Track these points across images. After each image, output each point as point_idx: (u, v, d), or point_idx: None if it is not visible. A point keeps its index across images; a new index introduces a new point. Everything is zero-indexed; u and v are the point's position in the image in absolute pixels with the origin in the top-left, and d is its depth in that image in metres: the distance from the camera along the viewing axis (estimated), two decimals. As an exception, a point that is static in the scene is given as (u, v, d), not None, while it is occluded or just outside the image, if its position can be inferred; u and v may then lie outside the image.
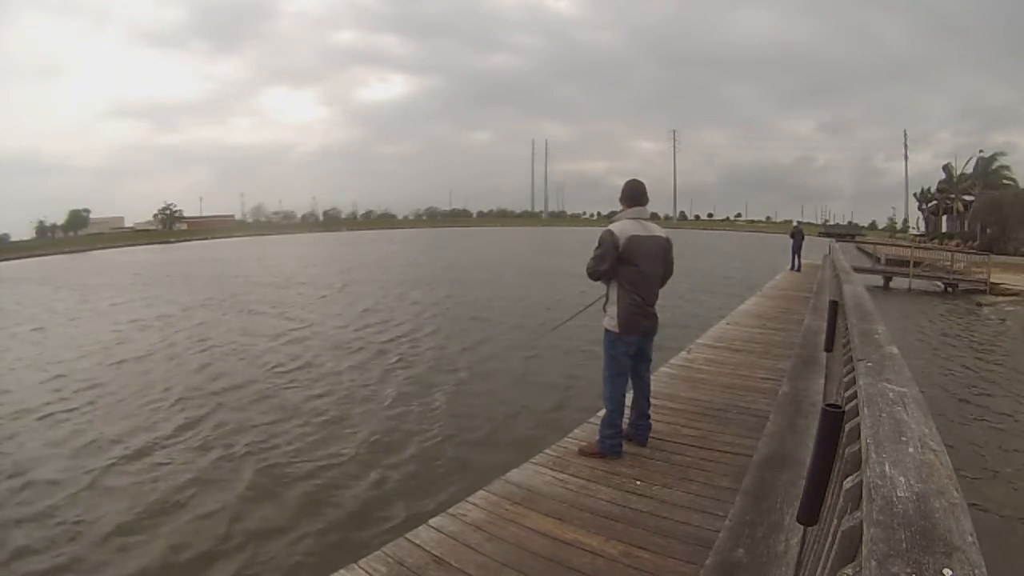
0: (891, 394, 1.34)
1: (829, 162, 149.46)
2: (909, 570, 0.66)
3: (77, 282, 21.94)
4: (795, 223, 19.61)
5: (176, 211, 79.34)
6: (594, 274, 3.10)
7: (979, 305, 14.19)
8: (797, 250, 16.24)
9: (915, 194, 51.97)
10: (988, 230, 31.99)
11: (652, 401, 3.36)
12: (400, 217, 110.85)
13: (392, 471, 4.58)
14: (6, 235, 60.77)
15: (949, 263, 19.10)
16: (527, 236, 60.58)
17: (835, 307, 4.32)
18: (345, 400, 6.44)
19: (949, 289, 17.08)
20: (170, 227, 76.81)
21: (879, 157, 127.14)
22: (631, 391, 3.28)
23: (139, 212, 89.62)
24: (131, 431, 5.58)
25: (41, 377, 7.81)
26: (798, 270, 15.76)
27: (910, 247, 22.94)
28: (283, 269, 25.45)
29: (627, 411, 3.25)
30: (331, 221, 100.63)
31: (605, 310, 3.14)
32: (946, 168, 45.82)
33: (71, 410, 6.29)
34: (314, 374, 7.58)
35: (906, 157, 73.83)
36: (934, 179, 47.49)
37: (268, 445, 5.16)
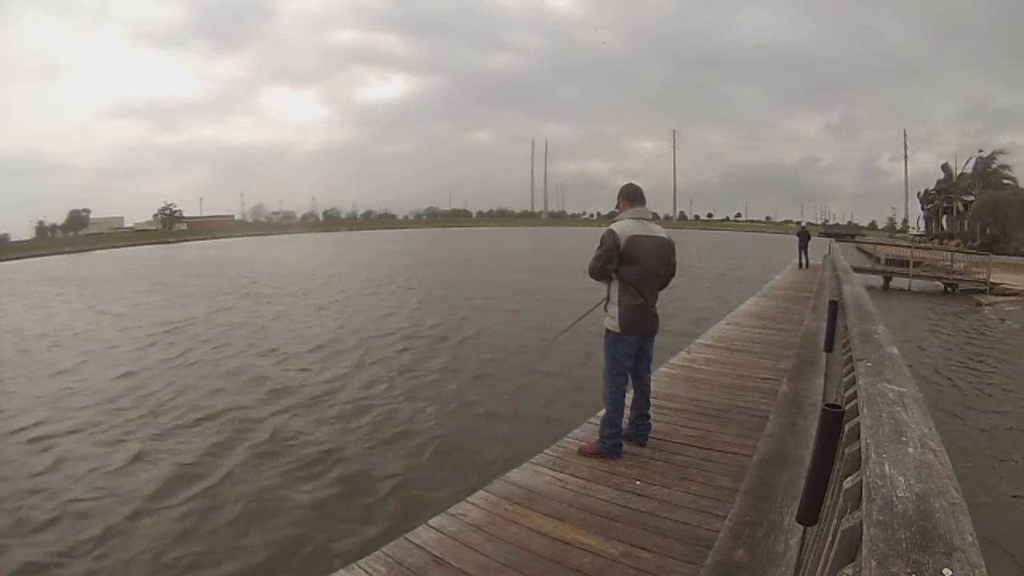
0: (891, 394, 1.35)
1: (833, 162, 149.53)
2: (909, 570, 0.66)
3: (91, 283, 21.82)
4: (802, 224, 20.73)
5: (176, 211, 79.32)
6: (596, 273, 3.10)
7: (979, 305, 14.20)
8: (803, 249, 17.20)
9: (917, 194, 52.03)
10: (988, 230, 32.00)
11: (652, 401, 3.36)
12: (400, 217, 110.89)
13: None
14: (6, 235, 60.63)
15: (949, 263, 19.12)
16: (530, 236, 60.58)
17: (835, 307, 4.33)
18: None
19: (949, 289, 17.10)
20: (170, 227, 76.70)
21: (884, 157, 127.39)
22: (631, 391, 3.28)
23: (139, 212, 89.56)
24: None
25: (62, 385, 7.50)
26: (805, 267, 16.65)
27: (910, 247, 22.96)
28: (298, 269, 25.41)
29: (627, 411, 3.24)
30: (331, 221, 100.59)
31: (606, 310, 3.14)
32: (945, 167, 45.89)
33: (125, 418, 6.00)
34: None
35: (906, 157, 73.79)
36: (937, 179, 47.49)
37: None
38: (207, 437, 5.42)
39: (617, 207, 3.21)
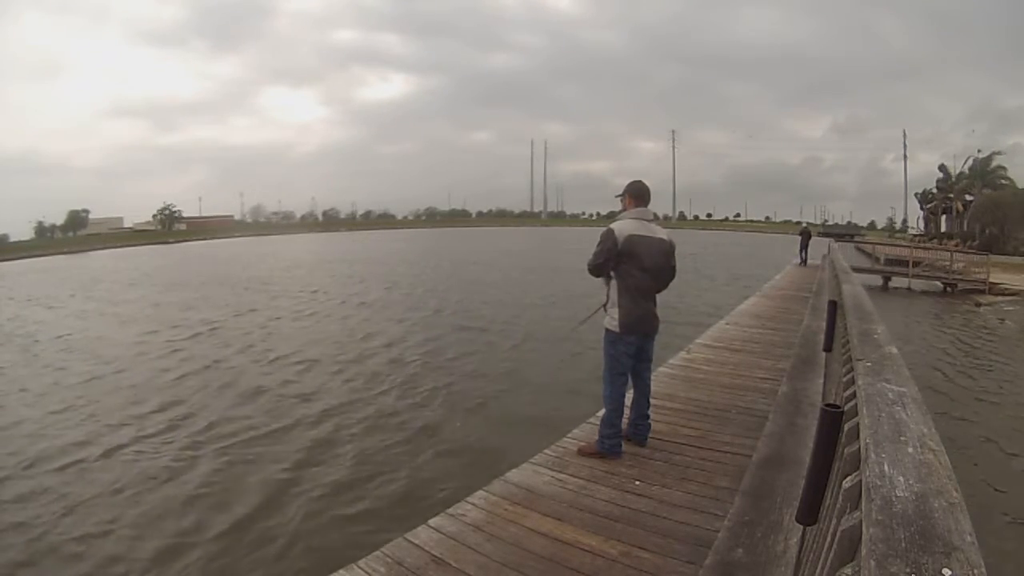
0: (890, 394, 1.34)
1: (836, 163, 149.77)
2: (908, 570, 0.66)
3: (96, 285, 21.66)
4: (803, 224, 21.92)
5: (175, 211, 79.23)
6: (594, 271, 3.11)
7: (978, 305, 14.20)
8: (804, 247, 18.19)
9: (915, 194, 52.04)
10: (987, 230, 32.02)
11: (652, 401, 3.35)
12: (399, 217, 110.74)
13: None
14: (5, 235, 60.52)
15: (948, 263, 19.13)
16: (532, 236, 60.49)
17: (834, 307, 4.33)
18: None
19: (948, 289, 17.12)
20: (169, 227, 76.56)
21: (888, 158, 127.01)
22: (631, 391, 3.28)
23: (139, 212, 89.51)
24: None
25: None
26: (805, 265, 17.37)
27: (909, 247, 22.97)
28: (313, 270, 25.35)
29: (626, 411, 3.24)
30: (330, 221, 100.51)
31: (606, 310, 3.14)
32: (943, 168, 45.82)
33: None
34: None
35: (905, 157, 73.95)
36: (937, 179, 47.39)
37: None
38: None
39: (621, 200, 3.21)
